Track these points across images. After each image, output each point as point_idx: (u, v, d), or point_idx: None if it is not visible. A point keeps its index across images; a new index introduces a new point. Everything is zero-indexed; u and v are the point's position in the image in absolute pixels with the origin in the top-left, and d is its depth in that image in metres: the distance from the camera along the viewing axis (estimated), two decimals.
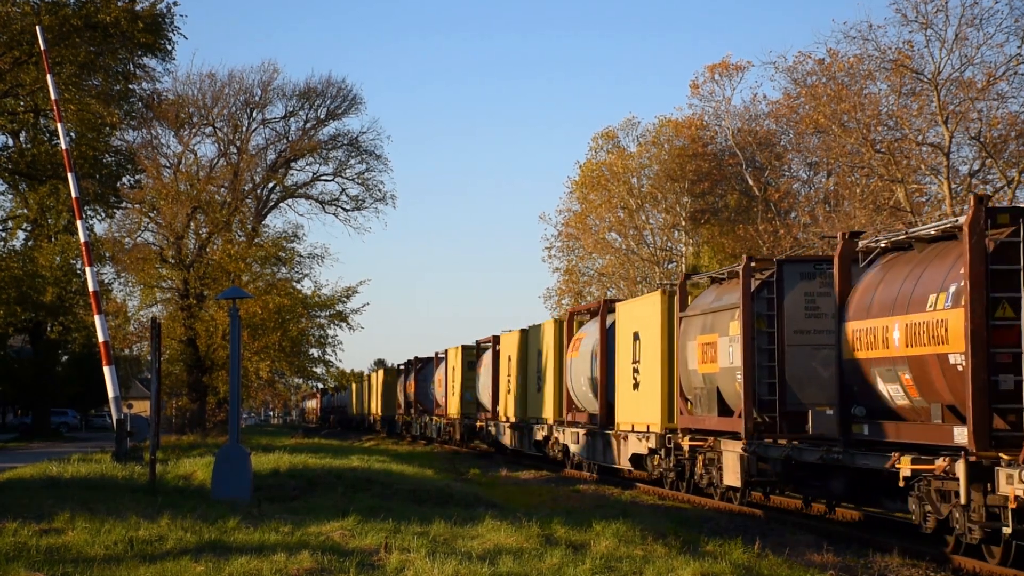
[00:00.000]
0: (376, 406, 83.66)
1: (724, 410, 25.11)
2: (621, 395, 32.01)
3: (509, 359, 44.86)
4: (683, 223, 67.25)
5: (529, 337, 42.58)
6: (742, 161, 61.95)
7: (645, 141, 69.82)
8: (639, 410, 30.44)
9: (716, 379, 25.22)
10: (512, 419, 44.21)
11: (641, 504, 26.73)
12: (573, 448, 36.39)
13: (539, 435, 40.31)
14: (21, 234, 61.36)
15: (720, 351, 24.90)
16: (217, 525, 17.43)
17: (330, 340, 55.97)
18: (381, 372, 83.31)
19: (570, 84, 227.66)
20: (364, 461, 31.46)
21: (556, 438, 38.27)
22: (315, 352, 56.32)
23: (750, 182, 61.81)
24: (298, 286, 55.15)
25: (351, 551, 15.32)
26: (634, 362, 30.82)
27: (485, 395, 49.04)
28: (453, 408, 54.33)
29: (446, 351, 56.85)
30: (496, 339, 47.71)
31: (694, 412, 26.76)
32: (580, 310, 40.59)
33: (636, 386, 30.60)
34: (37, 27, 39.41)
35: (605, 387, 33.12)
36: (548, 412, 39.06)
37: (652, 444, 29.18)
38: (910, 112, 46.62)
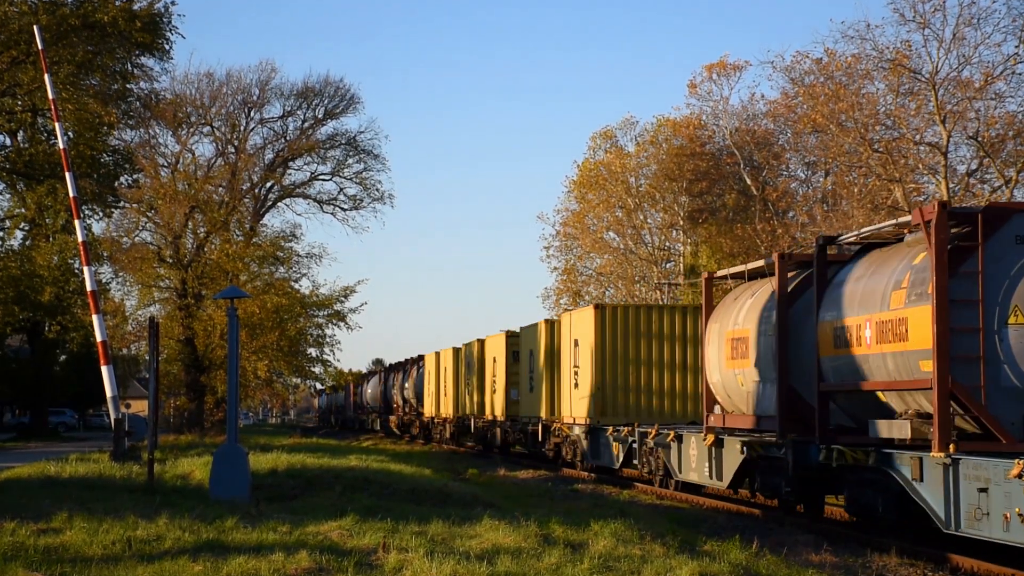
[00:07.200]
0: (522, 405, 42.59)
1: None
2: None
3: None
4: (681, 223, 67.23)
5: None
6: (740, 160, 61.93)
7: (643, 141, 69.87)
8: None
9: None
10: None
11: (639, 504, 26.72)
12: None
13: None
14: (19, 234, 61.37)
15: None
16: (215, 525, 17.40)
17: (328, 340, 56.17)
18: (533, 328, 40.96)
19: (569, 84, 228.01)
20: (362, 461, 31.40)
21: None
22: (313, 352, 56.50)
23: (748, 181, 61.79)
24: (296, 286, 55.33)
25: (349, 551, 15.30)
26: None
27: None
28: None
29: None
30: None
31: None
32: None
33: None
34: (35, 26, 39.33)
35: (787, 374, 22.08)
36: None
37: None
38: (908, 111, 46.61)
